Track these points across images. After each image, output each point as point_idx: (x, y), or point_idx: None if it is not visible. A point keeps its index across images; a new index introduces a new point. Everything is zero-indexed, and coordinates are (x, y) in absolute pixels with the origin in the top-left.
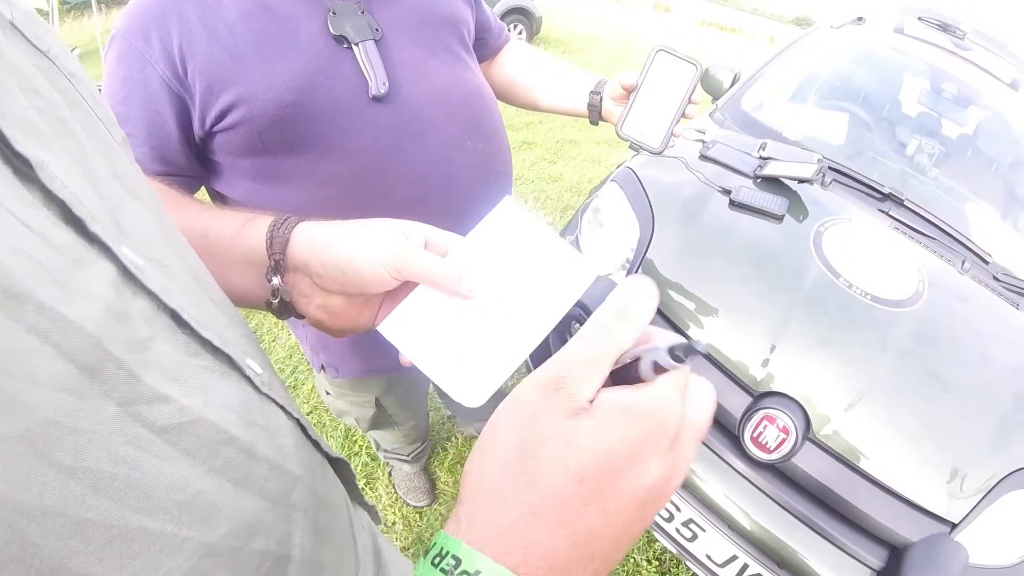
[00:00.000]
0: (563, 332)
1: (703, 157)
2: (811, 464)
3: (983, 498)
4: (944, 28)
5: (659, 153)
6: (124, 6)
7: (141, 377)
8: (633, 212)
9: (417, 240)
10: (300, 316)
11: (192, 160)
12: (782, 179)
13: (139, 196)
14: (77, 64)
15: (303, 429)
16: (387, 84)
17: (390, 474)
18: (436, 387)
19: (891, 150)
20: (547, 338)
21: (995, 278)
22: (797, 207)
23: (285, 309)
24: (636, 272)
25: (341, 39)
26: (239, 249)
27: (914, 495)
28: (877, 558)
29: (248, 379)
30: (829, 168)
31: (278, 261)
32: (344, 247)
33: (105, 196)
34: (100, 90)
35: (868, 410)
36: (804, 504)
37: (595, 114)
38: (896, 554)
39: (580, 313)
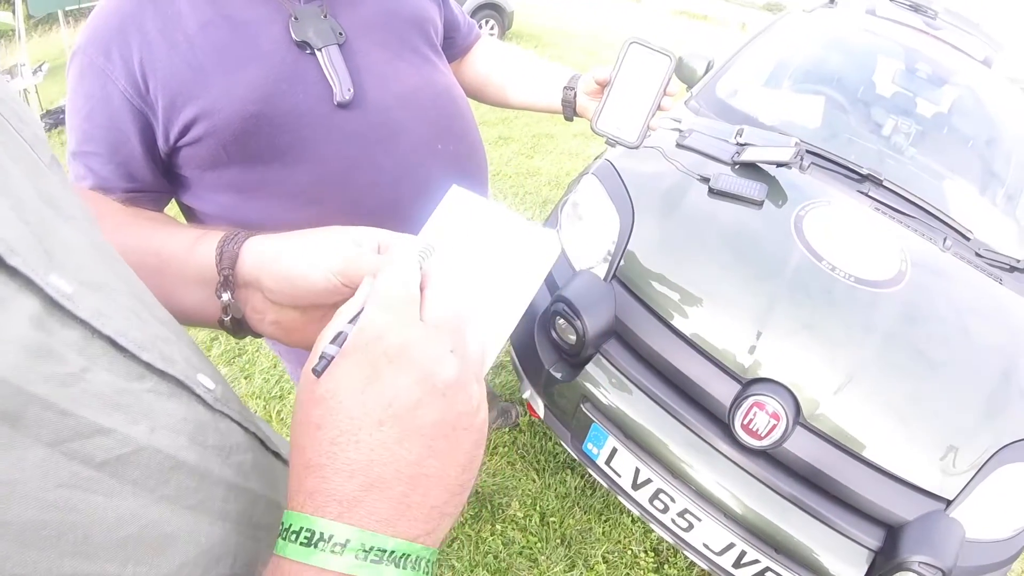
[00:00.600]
0: (546, 326)
1: (680, 146)
2: (803, 448)
3: (976, 473)
4: (915, 8)
5: (636, 147)
6: None
7: (75, 412)
8: (612, 204)
9: (369, 245)
10: (256, 334)
11: (158, 176)
12: (760, 164)
13: (71, 218)
14: None
15: (262, 442)
16: (352, 90)
17: None
18: None
19: (868, 131)
20: (532, 333)
21: (977, 254)
22: (776, 192)
23: (239, 327)
24: (619, 264)
25: (304, 45)
26: (191, 267)
27: (907, 474)
28: (874, 538)
29: (199, 397)
30: (807, 151)
31: (227, 277)
32: (292, 258)
33: (32, 222)
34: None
35: (857, 392)
36: (798, 488)
37: (569, 110)
38: (892, 533)
39: (563, 308)
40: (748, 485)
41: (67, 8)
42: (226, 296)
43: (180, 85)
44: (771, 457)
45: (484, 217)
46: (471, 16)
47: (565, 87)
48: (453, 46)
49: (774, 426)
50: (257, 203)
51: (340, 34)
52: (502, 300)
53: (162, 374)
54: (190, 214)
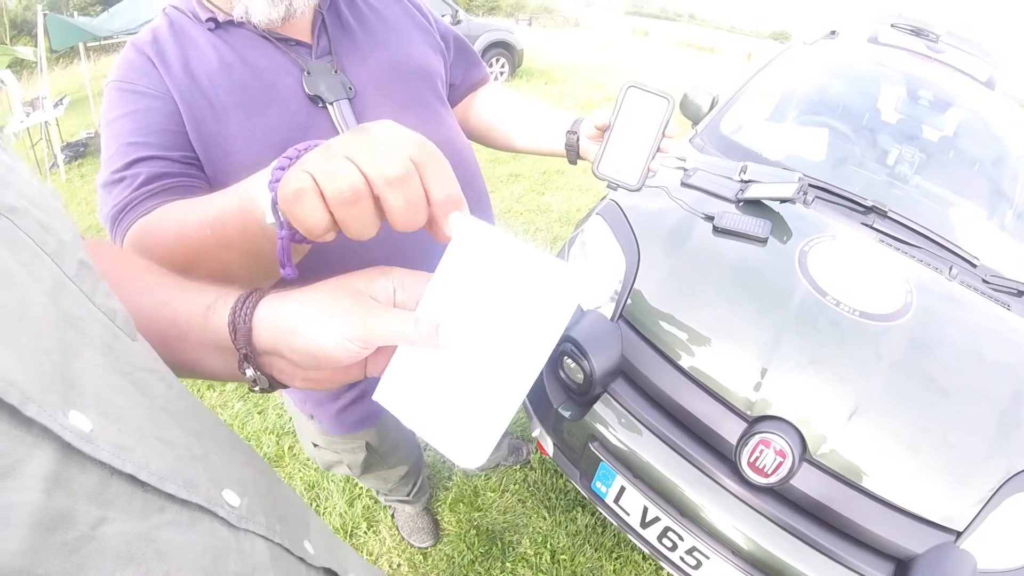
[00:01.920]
0: (555, 366)
1: (685, 184)
2: (810, 485)
3: (987, 503)
4: (917, 33)
5: (636, 190)
6: (112, 53)
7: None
8: (618, 244)
9: (385, 292)
10: (288, 386)
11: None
12: (764, 201)
13: (92, 337)
14: (20, 195)
15: (287, 550)
16: None
17: (392, 516)
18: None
19: (872, 161)
20: (541, 373)
21: (984, 281)
22: (781, 228)
23: (271, 386)
24: (625, 304)
25: (316, 99)
26: (208, 336)
27: (916, 507)
28: (883, 573)
29: (222, 519)
30: (811, 186)
31: (246, 354)
32: (308, 329)
33: (51, 350)
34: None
35: (864, 426)
36: (806, 524)
37: (573, 154)
38: (902, 567)
39: (571, 348)
40: (755, 522)
41: (89, 43)
42: (249, 372)
43: (200, 120)
44: (778, 494)
45: (502, 252)
46: (482, 54)
47: (568, 131)
48: (458, 89)
49: (780, 463)
50: None
51: (350, 88)
52: (524, 349)
53: (184, 503)
54: None
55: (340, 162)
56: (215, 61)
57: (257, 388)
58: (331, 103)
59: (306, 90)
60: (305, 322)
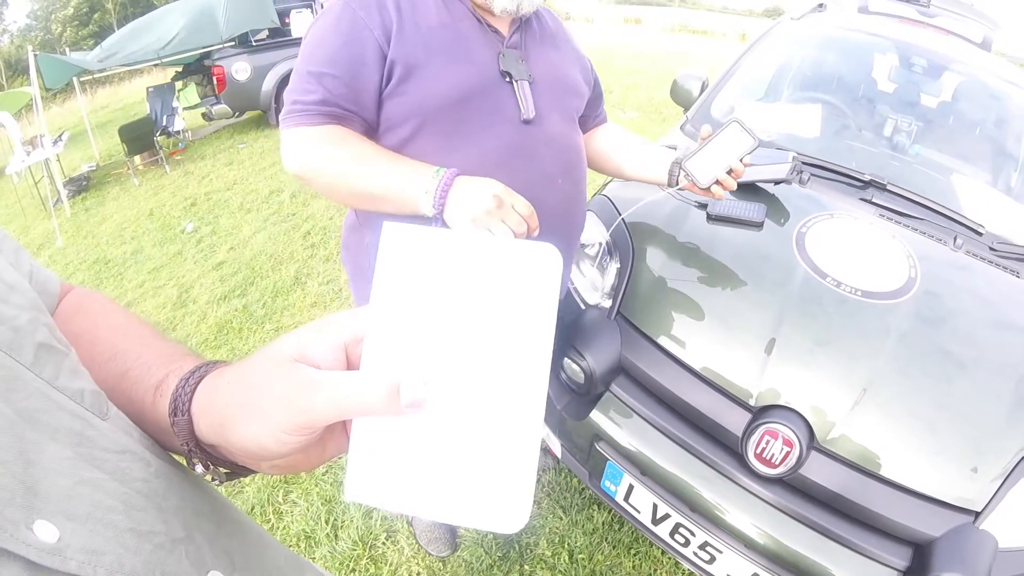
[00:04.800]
0: (555, 368)
1: None
2: (820, 473)
3: (1004, 480)
4: None
5: (704, 188)
6: (107, 85)
7: None
8: (612, 239)
9: (326, 350)
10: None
11: (375, 110)
12: (758, 184)
13: (56, 429)
14: None
15: None
16: (533, 114)
17: (410, 526)
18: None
19: (869, 134)
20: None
21: (991, 248)
22: (777, 210)
23: (234, 474)
24: (621, 300)
25: (505, 74)
26: (160, 420)
27: (931, 489)
28: (901, 558)
29: None
30: (805, 164)
31: (191, 450)
32: (239, 427)
33: (5, 461)
34: (96, 167)
35: (872, 409)
36: (818, 513)
37: (673, 179)
38: (921, 551)
39: (570, 349)
40: (767, 514)
41: (82, 78)
42: (199, 469)
43: (412, 55)
44: (788, 484)
45: (452, 254)
46: None
47: (673, 162)
48: (588, 121)
49: (788, 453)
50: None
51: (530, 76)
52: (520, 351)
53: None
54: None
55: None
56: (435, 18)
57: (216, 482)
58: (516, 81)
59: (500, 66)
60: (235, 417)
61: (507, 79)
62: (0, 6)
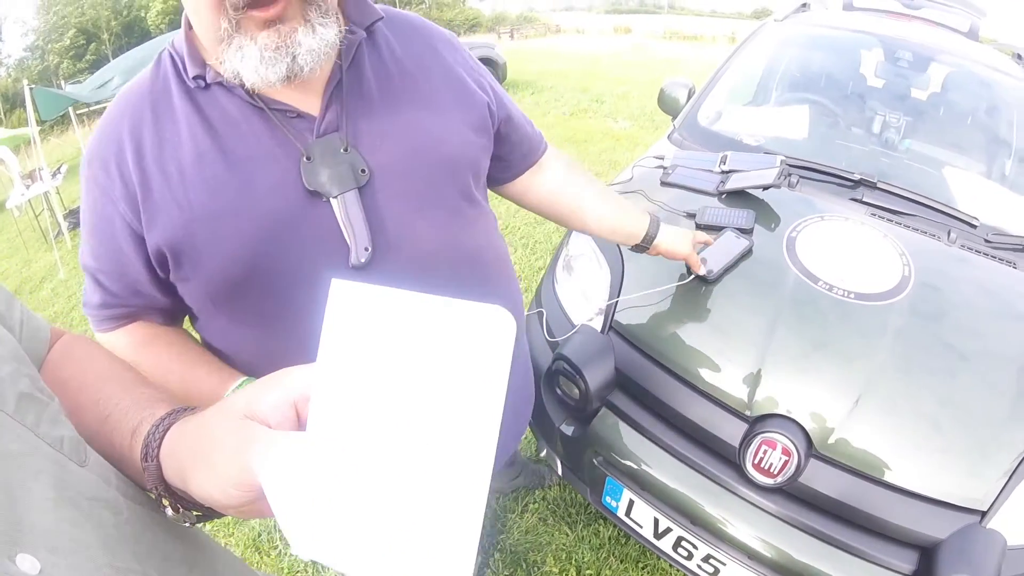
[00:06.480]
0: (552, 385)
1: (665, 184)
2: (820, 480)
3: (1011, 476)
4: None
5: (711, 279)
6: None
7: None
8: (602, 255)
9: (276, 407)
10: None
11: (168, 294)
12: (747, 191)
13: (39, 471)
14: None
15: None
16: (369, 249)
17: None
18: None
19: (858, 132)
20: (540, 392)
21: (986, 241)
22: (767, 216)
23: (206, 517)
24: (613, 315)
25: (315, 194)
26: (136, 467)
27: (935, 491)
28: (907, 562)
29: None
30: (793, 167)
31: (160, 494)
32: (194, 478)
33: None
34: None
35: (869, 414)
36: (821, 521)
37: (642, 249)
38: (927, 554)
39: (563, 366)
40: (768, 524)
41: (78, 111)
42: (169, 512)
43: (169, 231)
44: (789, 493)
45: (403, 314)
46: None
47: (647, 235)
48: (512, 166)
49: (786, 462)
50: (251, 345)
51: (362, 172)
52: (468, 414)
53: None
54: (204, 343)
55: None
56: (189, 151)
57: (187, 523)
58: (334, 197)
59: (305, 184)
60: (190, 468)
61: (323, 199)
62: None
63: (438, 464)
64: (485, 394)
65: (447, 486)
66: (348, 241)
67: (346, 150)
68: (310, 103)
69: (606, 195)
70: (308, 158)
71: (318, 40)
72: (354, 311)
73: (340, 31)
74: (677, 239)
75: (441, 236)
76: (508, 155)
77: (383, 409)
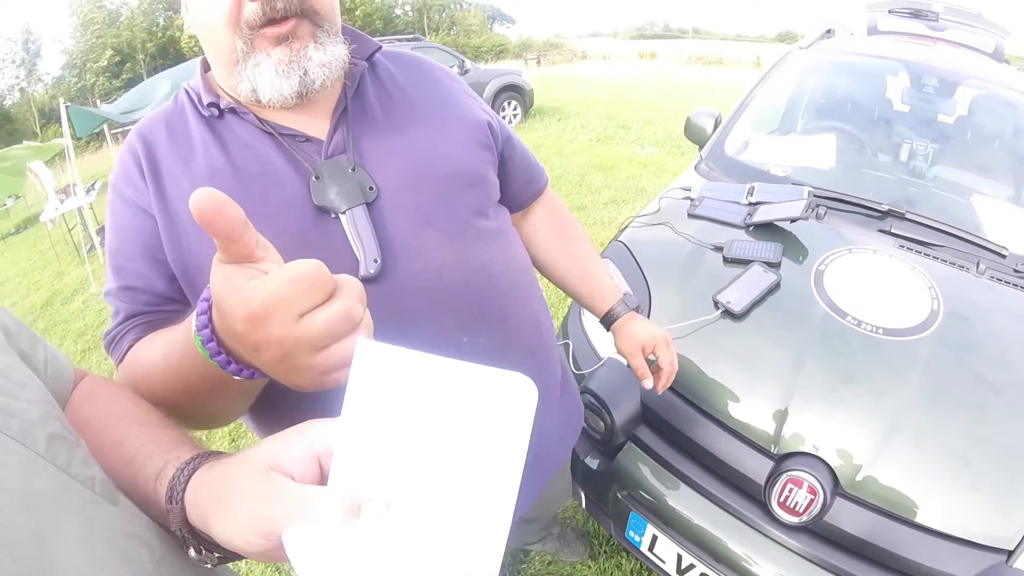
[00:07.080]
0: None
1: (692, 216)
2: (845, 519)
3: None
4: (916, 14)
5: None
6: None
7: None
8: (628, 285)
9: (301, 460)
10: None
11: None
12: (775, 223)
13: (71, 510)
14: None
15: None
16: (379, 260)
17: None
18: None
19: (886, 160)
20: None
21: (1015, 271)
22: (794, 248)
23: (226, 558)
24: None
25: (324, 210)
26: (161, 508)
27: (960, 530)
28: None
29: None
30: (821, 198)
31: (184, 536)
32: (216, 525)
33: (15, 541)
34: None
35: (895, 453)
36: (845, 560)
37: (608, 323)
38: None
39: (590, 400)
40: (792, 563)
41: (112, 131)
42: (192, 553)
43: (182, 239)
44: (814, 532)
45: (426, 376)
46: (493, 101)
47: (610, 312)
48: (520, 194)
49: (812, 501)
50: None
51: (370, 189)
52: (487, 479)
53: None
54: None
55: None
56: (204, 167)
57: (209, 565)
58: (343, 212)
59: (314, 201)
60: (212, 515)
61: (332, 215)
62: (34, 57)
63: (455, 526)
64: (504, 459)
65: (464, 548)
66: (357, 254)
67: (353, 170)
68: (318, 128)
69: (577, 257)
70: (317, 177)
71: (328, 55)
72: (378, 371)
73: (348, 51)
74: (633, 333)
75: (451, 249)
76: (512, 175)
77: (403, 470)
